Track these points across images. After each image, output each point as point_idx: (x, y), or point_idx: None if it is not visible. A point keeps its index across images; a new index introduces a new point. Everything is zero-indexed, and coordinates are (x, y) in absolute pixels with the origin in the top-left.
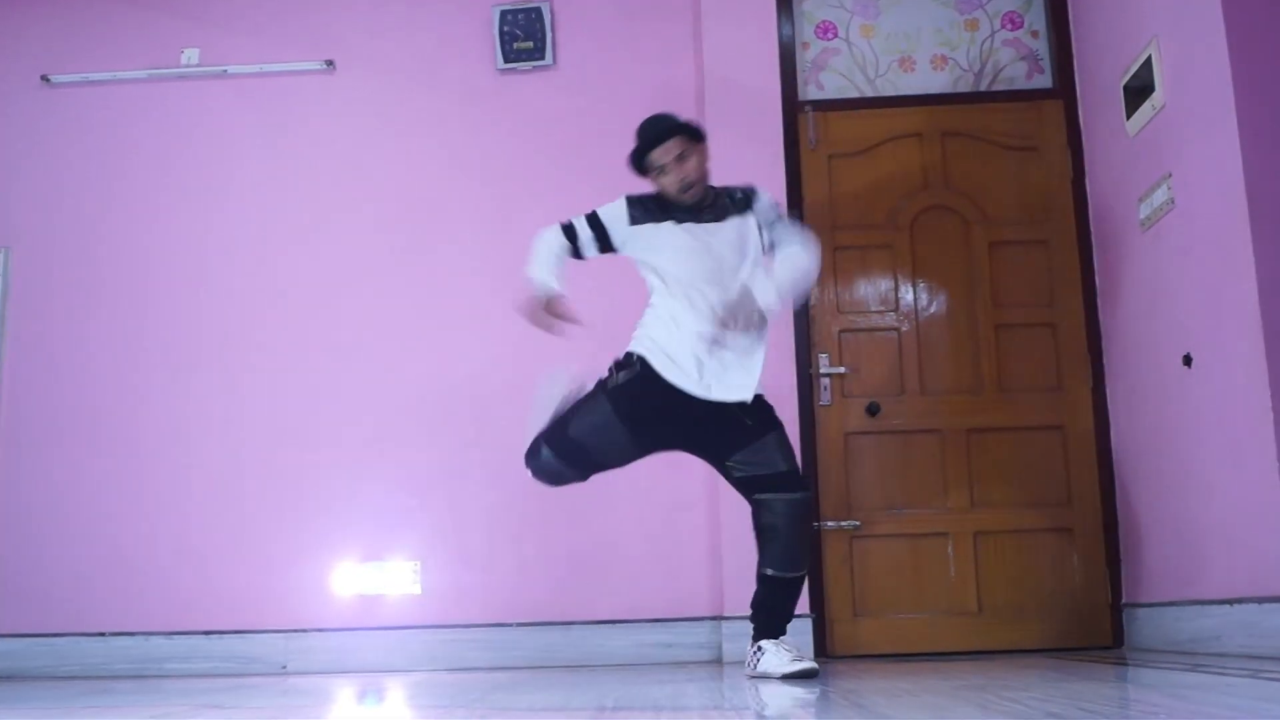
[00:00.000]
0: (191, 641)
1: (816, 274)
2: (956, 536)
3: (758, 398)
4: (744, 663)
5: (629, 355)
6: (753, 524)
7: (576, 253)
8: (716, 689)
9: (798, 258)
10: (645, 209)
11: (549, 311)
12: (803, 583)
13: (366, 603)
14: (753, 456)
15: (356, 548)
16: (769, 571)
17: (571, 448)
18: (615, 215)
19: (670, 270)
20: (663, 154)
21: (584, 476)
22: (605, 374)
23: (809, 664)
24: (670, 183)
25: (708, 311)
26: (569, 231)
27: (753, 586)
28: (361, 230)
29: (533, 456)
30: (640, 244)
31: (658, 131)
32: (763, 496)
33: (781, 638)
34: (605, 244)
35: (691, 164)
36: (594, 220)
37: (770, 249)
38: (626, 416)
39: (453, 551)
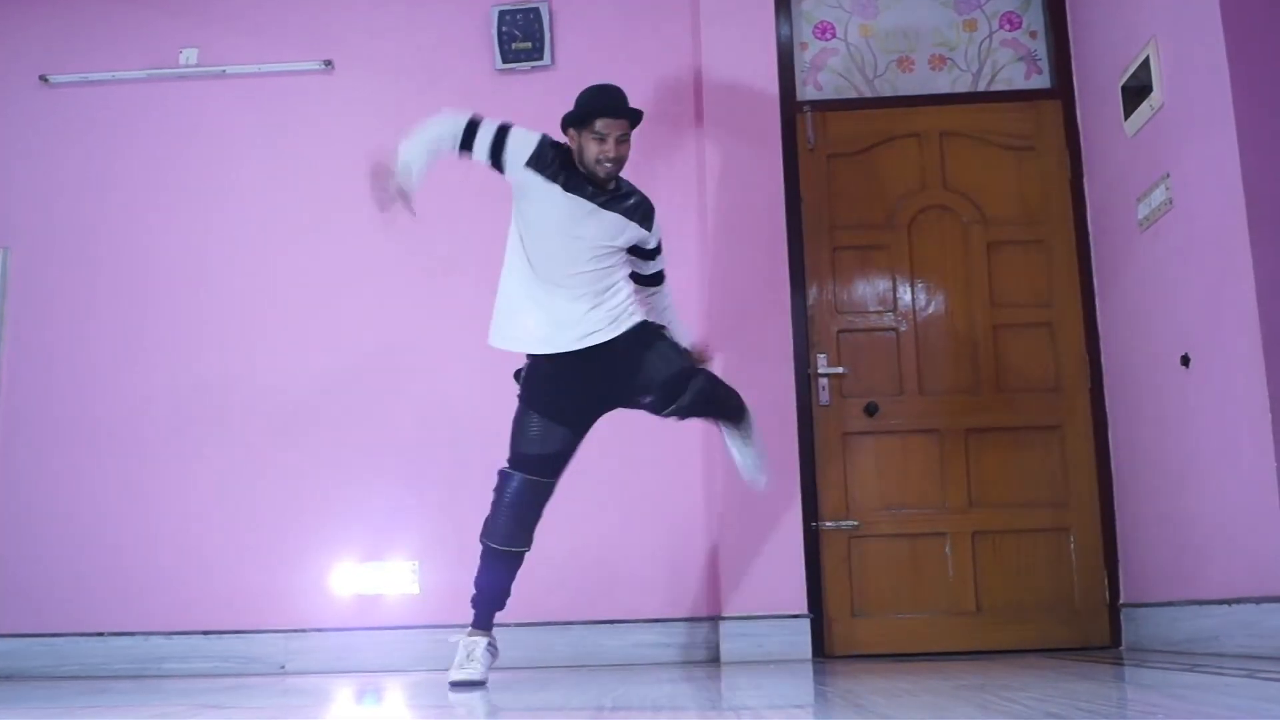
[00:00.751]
0: (191, 641)
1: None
2: (955, 536)
3: (628, 330)
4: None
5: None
6: None
7: (466, 145)
8: (715, 689)
9: (674, 322)
10: (548, 161)
11: (392, 187)
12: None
13: (365, 602)
14: (645, 388)
15: (355, 547)
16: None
17: (520, 458)
18: (522, 145)
19: (536, 227)
20: (609, 125)
21: (548, 476)
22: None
23: None
24: (596, 153)
25: (548, 278)
26: (470, 128)
27: (750, 588)
28: (361, 230)
29: (501, 491)
30: (525, 186)
31: (618, 103)
32: (670, 412)
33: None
34: (497, 159)
35: (624, 148)
36: (502, 134)
37: (642, 276)
38: (531, 405)
39: (451, 551)
